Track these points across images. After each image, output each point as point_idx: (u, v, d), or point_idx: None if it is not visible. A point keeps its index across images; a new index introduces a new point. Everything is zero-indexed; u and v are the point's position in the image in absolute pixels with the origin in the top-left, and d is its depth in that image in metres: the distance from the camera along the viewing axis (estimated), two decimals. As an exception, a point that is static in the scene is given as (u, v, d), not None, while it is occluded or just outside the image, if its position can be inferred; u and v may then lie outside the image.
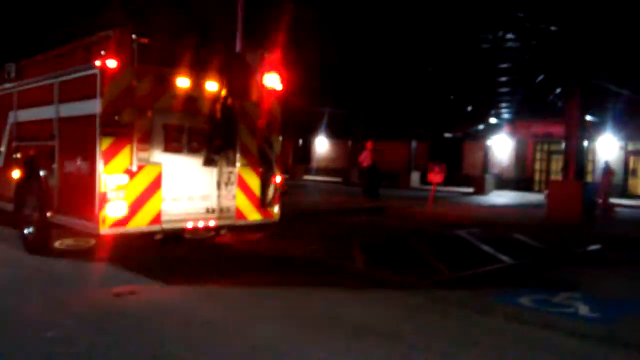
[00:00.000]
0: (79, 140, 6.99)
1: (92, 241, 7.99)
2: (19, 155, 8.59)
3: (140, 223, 6.80)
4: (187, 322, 5.23)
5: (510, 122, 29.38)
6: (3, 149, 9.20)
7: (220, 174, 7.76)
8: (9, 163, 8.88)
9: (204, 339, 4.77)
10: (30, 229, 8.16)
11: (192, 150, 7.50)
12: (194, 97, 7.41)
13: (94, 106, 6.63)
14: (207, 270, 7.46)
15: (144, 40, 6.83)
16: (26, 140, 8.43)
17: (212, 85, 7.48)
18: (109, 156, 6.57)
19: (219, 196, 7.74)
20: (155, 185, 6.94)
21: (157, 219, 6.94)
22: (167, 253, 8.08)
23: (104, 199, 6.50)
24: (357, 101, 26.88)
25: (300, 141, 40.34)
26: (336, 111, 29.40)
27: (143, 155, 6.89)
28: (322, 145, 39.92)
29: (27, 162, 8.30)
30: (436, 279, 7.40)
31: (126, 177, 6.67)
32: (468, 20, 16.33)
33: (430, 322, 5.54)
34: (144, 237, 7.19)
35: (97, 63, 6.62)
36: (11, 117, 8.93)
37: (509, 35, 17.36)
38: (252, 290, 6.55)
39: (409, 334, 5.08)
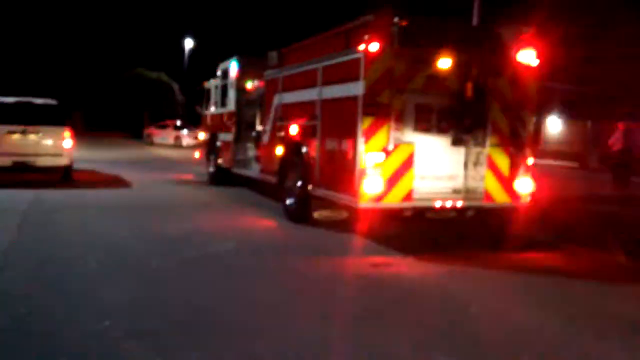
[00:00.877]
0: (340, 120, 7.57)
1: (345, 213, 8.64)
2: (282, 134, 9.63)
3: (394, 199, 7.13)
4: (444, 299, 5.37)
5: None
6: (268, 127, 10.40)
7: (468, 154, 7.72)
8: (273, 140, 10.01)
9: (463, 320, 4.84)
10: (292, 200, 9.13)
11: (441, 130, 7.58)
12: (444, 76, 7.45)
13: (357, 88, 7.10)
14: (456, 249, 7.51)
15: (403, 23, 7.06)
16: (289, 120, 9.39)
17: (464, 64, 7.42)
18: (369, 135, 6.99)
19: (466, 177, 7.72)
20: (408, 163, 7.19)
21: (409, 196, 7.20)
22: (414, 229, 8.33)
23: (363, 175, 6.96)
24: (593, 77, 24.12)
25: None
26: (573, 88, 26.85)
27: (397, 134, 7.19)
28: (554, 125, 36.94)
29: (290, 140, 9.26)
30: None
31: (383, 155, 7.04)
32: None
33: None
34: (392, 213, 7.54)
35: (361, 47, 7.05)
36: (276, 100, 10.04)
37: None
38: (504, 272, 6.42)
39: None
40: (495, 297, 5.52)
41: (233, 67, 12.86)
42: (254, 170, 11.79)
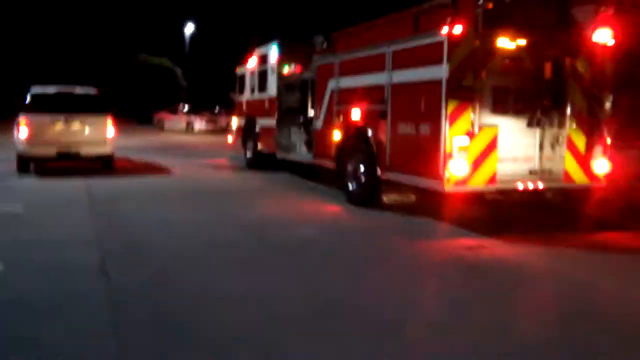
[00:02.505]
0: (418, 104, 7.49)
1: (413, 197, 8.64)
2: (341, 118, 9.56)
3: (479, 182, 7.12)
4: (557, 280, 5.39)
5: None
6: (322, 112, 10.32)
7: (544, 135, 7.72)
8: (330, 125, 9.94)
9: (589, 302, 4.85)
10: (355, 185, 9.09)
11: (517, 111, 7.57)
12: (521, 57, 7.43)
13: (439, 72, 7.02)
14: (540, 228, 7.48)
15: (489, 5, 6.98)
16: (349, 104, 9.29)
17: (541, 44, 7.38)
18: (453, 118, 6.95)
19: (542, 158, 7.73)
20: (492, 146, 7.17)
21: (493, 179, 7.19)
22: (492, 211, 8.31)
23: (449, 159, 6.93)
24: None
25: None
26: None
27: (479, 117, 7.15)
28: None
29: (352, 124, 9.19)
30: None
31: (467, 138, 7.00)
32: None
33: None
34: (475, 196, 7.53)
35: (443, 30, 6.96)
36: (331, 85, 9.93)
37: None
38: (602, 252, 6.43)
39: None
40: (606, 276, 5.54)
41: (273, 53, 12.73)
42: (302, 155, 11.73)
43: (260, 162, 13.77)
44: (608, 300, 4.89)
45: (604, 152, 7.69)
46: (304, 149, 11.78)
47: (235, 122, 15.82)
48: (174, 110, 36.53)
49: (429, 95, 7.23)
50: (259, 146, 13.65)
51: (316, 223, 7.79)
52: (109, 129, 12.15)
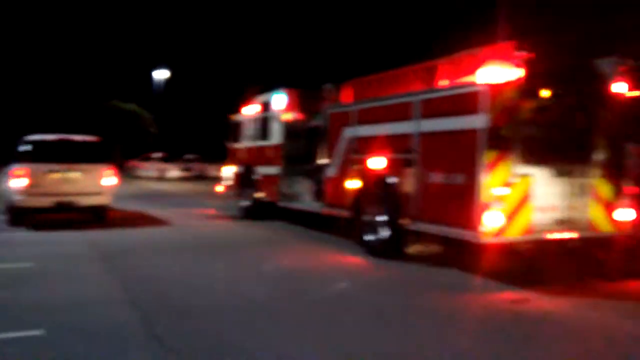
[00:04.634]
0: (450, 153, 7.47)
1: (437, 248, 8.50)
2: (359, 167, 9.46)
3: (515, 233, 7.06)
4: (609, 337, 5.29)
5: None
6: (336, 160, 10.21)
7: (570, 184, 7.77)
8: (345, 173, 9.82)
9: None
10: (372, 235, 8.93)
11: (546, 161, 7.61)
12: (549, 107, 7.53)
13: (476, 121, 7.04)
14: (574, 278, 7.45)
15: (530, 55, 7.10)
16: (367, 152, 9.22)
17: (567, 95, 7.53)
18: (491, 169, 6.93)
19: (570, 207, 7.76)
20: (527, 196, 7.16)
21: (528, 229, 7.15)
22: (521, 262, 8.23)
23: (485, 210, 6.87)
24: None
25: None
26: None
27: (515, 167, 7.15)
28: None
29: (371, 173, 9.09)
30: None
31: (505, 189, 6.98)
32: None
33: None
34: (510, 248, 7.45)
35: (482, 80, 7.03)
36: (347, 132, 9.87)
37: None
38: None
39: None
40: None
41: (278, 100, 12.67)
42: (309, 204, 11.53)
43: (258, 212, 13.48)
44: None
45: (630, 201, 7.79)
46: (310, 197, 11.60)
47: (228, 170, 15.51)
48: (147, 158, 35.96)
49: (464, 145, 7.21)
50: (258, 194, 13.39)
51: (343, 276, 7.51)
52: (107, 178, 11.72)
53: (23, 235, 10.52)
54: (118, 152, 40.67)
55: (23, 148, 11.54)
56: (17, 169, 10.95)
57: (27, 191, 10.79)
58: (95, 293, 6.40)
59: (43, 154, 11.26)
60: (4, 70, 43.90)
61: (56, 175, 11.14)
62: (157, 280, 7.14)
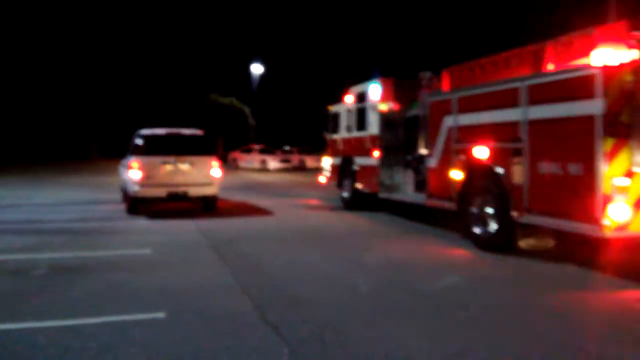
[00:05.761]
0: (564, 142, 7.06)
1: (551, 241, 8.07)
2: (462, 157, 9.20)
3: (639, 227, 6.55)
4: None
5: None
6: (438, 151, 10.00)
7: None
8: (448, 164, 9.58)
9: None
10: (480, 228, 8.65)
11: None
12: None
13: (591, 107, 6.60)
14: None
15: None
16: (471, 142, 8.94)
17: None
18: (611, 158, 6.47)
19: None
20: (658, 187, 6.61)
21: (654, 222, 6.61)
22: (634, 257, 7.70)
23: (608, 202, 6.43)
24: None
25: None
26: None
27: (636, 156, 6.63)
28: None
29: (476, 163, 8.81)
30: None
31: (628, 179, 6.50)
32: None
33: None
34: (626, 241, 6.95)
35: (597, 62, 6.58)
36: (448, 122, 9.63)
37: None
38: None
39: None
40: None
41: (374, 90, 12.62)
42: (410, 195, 11.41)
43: (359, 202, 13.54)
44: None
45: None
46: (411, 188, 11.47)
47: (328, 161, 15.70)
48: (248, 150, 37.24)
49: (579, 132, 6.79)
50: (358, 185, 13.44)
51: (451, 270, 7.35)
52: (215, 169, 12.29)
53: (140, 223, 11.29)
54: (220, 145, 42.57)
55: (137, 142, 12.36)
56: (133, 161, 11.76)
57: (143, 182, 11.57)
58: (209, 279, 6.74)
59: (155, 147, 12.03)
60: (120, 72, 47.30)
61: (168, 167, 11.84)
62: (265, 268, 7.38)
